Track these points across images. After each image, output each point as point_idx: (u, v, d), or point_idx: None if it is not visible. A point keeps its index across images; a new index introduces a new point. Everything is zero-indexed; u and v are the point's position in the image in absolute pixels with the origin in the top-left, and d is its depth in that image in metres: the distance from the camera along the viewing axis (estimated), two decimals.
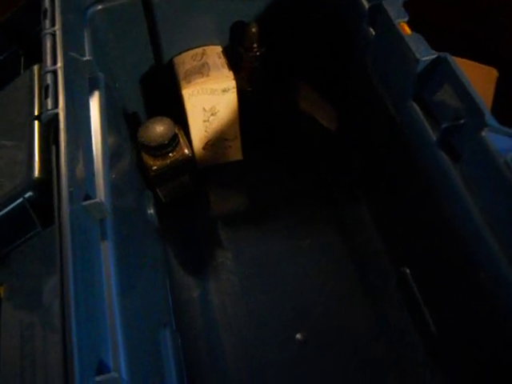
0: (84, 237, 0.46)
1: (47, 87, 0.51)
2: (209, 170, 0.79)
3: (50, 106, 0.50)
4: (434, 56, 0.50)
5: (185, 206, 0.76)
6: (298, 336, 0.64)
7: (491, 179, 0.44)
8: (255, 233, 0.73)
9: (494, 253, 0.44)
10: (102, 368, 0.38)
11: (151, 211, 0.73)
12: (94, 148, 0.53)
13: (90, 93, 0.56)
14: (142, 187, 0.73)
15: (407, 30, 0.52)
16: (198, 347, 0.64)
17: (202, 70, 0.69)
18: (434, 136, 0.51)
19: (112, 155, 0.57)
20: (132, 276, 0.54)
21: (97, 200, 0.46)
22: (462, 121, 0.48)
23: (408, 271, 0.65)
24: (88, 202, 0.46)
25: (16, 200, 0.57)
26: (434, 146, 0.51)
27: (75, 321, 0.38)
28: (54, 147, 0.51)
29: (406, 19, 0.52)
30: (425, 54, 0.50)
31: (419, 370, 0.62)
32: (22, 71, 0.72)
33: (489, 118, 0.44)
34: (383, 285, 0.67)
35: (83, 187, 0.48)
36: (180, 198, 0.75)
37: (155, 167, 0.67)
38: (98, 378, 0.37)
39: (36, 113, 0.60)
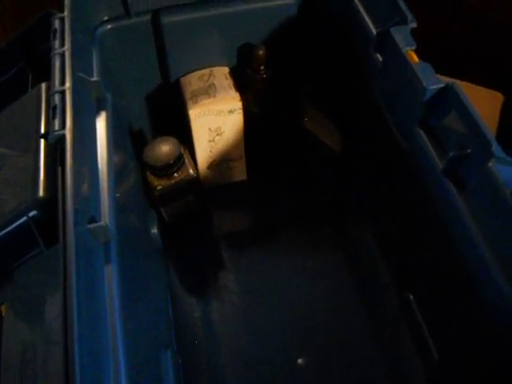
0: (88, 259, 0.46)
1: (55, 108, 0.51)
2: (213, 189, 0.79)
3: (57, 127, 0.50)
4: (441, 85, 0.50)
5: (188, 225, 0.76)
6: (300, 361, 0.64)
7: (497, 210, 0.44)
8: (258, 253, 0.73)
9: (499, 283, 0.44)
10: None
11: (155, 231, 0.72)
12: (99, 169, 0.53)
13: (97, 113, 0.57)
14: (146, 206, 0.73)
15: (415, 58, 0.52)
16: (199, 369, 0.64)
17: (208, 91, 0.69)
18: (440, 164, 0.51)
19: (117, 174, 0.57)
20: (135, 298, 0.54)
21: (101, 223, 0.46)
22: (468, 150, 0.48)
23: (411, 297, 0.64)
24: (93, 225, 0.46)
25: (20, 219, 0.57)
26: (440, 174, 0.51)
27: (78, 340, 0.38)
28: (60, 168, 0.51)
29: (413, 47, 0.53)
30: (432, 83, 0.50)
31: None
32: (29, 88, 0.72)
33: (496, 148, 0.44)
34: (386, 309, 0.67)
35: (88, 209, 0.48)
36: (184, 219, 0.75)
37: (160, 187, 0.67)
38: None
39: (42, 131, 0.60)
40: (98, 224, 0.46)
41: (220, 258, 0.73)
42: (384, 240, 0.71)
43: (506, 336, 0.45)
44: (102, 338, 0.42)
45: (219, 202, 0.79)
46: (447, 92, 0.50)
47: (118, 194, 0.56)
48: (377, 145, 0.67)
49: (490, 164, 0.45)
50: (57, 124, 0.50)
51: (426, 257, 0.59)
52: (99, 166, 0.54)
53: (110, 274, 0.46)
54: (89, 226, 0.46)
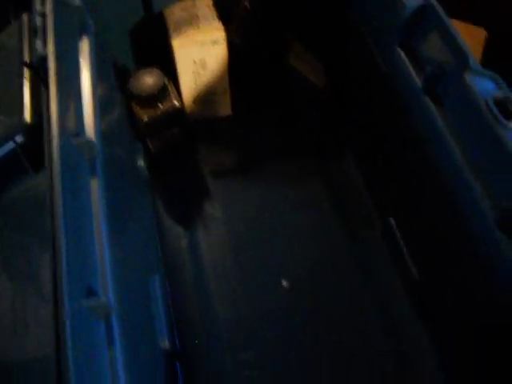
0: (74, 175, 0.46)
1: (37, 29, 0.51)
2: (199, 124, 0.80)
3: (39, 48, 0.50)
4: (420, 2, 0.50)
5: (175, 158, 0.77)
6: (284, 283, 0.65)
7: (473, 121, 0.46)
8: (243, 184, 0.75)
9: (476, 192, 0.45)
10: (90, 292, 0.39)
11: (141, 163, 0.73)
12: (84, 90, 0.53)
13: (80, 38, 0.57)
14: (133, 139, 0.74)
15: None
16: (186, 294, 0.66)
17: (192, 22, 0.69)
18: (419, 82, 0.52)
19: (102, 104, 0.58)
20: (121, 220, 0.55)
21: (87, 138, 0.47)
22: (446, 66, 0.49)
23: (393, 221, 0.66)
24: (78, 140, 0.46)
25: (7, 144, 0.58)
26: (419, 92, 0.52)
27: (65, 246, 0.39)
28: (44, 89, 0.51)
29: None
30: (412, 1, 0.50)
31: (403, 317, 0.63)
32: (11, 21, 0.72)
33: (472, 60, 0.46)
34: (369, 235, 0.69)
35: (73, 127, 0.49)
36: (170, 151, 0.76)
37: (145, 118, 0.68)
38: (86, 302, 0.38)
39: (27, 59, 0.60)
40: (83, 139, 0.46)
41: (206, 188, 0.74)
42: (366, 168, 0.73)
43: (483, 253, 0.47)
44: (89, 263, 0.42)
45: (205, 136, 0.80)
46: (427, 9, 0.50)
47: (103, 125, 0.56)
48: (358, 72, 0.67)
49: (466, 77, 0.46)
50: (39, 44, 0.50)
51: (407, 179, 0.60)
52: (83, 87, 0.54)
53: (96, 188, 0.47)
54: (74, 140, 0.46)
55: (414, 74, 0.52)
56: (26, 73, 0.59)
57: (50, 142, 0.47)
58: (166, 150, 0.75)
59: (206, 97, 0.77)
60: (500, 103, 0.44)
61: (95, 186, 0.47)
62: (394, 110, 0.59)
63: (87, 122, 0.50)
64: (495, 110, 0.43)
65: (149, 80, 0.67)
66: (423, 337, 0.61)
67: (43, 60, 0.50)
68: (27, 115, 0.58)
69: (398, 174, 0.62)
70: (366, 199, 0.72)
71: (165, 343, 0.59)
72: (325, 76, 0.80)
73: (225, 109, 0.80)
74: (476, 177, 0.46)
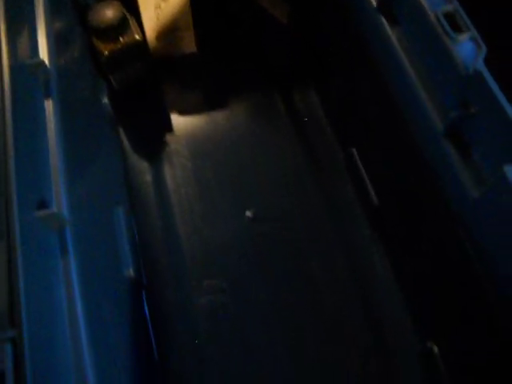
0: (27, 98, 0.46)
1: None
2: (164, 62, 0.79)
3: None
4: None
5: (139, 96, 0.76)
6: (248, 213, 0.66)
7: (423, 35, 0.46)
8: (208, 121, 0.75)
9: (425, 105, 0.46)
10: (42, 205, 0.39)
11: (105, 100, 0.73)
12: (36, 17, 0.52)
13: None
14: (96, 77, 0.73)
15: None
16: (151, 225, 0.67)
17: None
18: (374, 2, 0.52)
19: (60, 37, 0.57)
20: (80, 148, 0.55)
21: (39, 59, 0.46)
22: None
23: (354, 151, 0.67)
24: (30, 61, 0.46)
25: None
26: (373, 11, 0.52)
27: (15, 160, 0.39)
28: None
29: None
30: None
31: (365, 242, 0.65)
32: None
33: None
34: (332, 165, 0.70)
35: (26, 52, 0.49)
36: (134, 88, 0.75)
37: (106, 52, 0.67)
38: (37, 213, 0.38)
39: None
40: (35, 60, 0.46)
41: (170, 125, 0.74)
42: (328, 100, 0.73)
43: (433, 168, 0.48)
44: (42, 178, 0.42)
45: (170, 74, 0.79)
46: None
47: (62, 61, 0.56)
48: (317, 4, 0.67)
49: None
50: None
51: (365, 105, 0.61)
52: (37, 20, 0.53)
53: (51, 112, 0.46)
54: (27, 61, 0.46)
55: None
56: None
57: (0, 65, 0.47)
58: (129, 86, 0.74)
59: (169, 32, 0.76)
60: (449, 16, 0.44)
61: (50, 107, 0.46)
62: (350, 35, 0.59)
63: (41, 45, 0.50)
64: (445, 23, 0.44)
65: (108, 12, 0.66)
66: (383, 257, 0.63)
67: None
68: None
69: (358, 104, 0.63)
70: (329, 132, 0.72)
71: (130, 272, 0.60)
72: (287, 9, 0.79)
73: (189, 45, 0.79)
74: (426, 90, 0.47)
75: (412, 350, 0.58)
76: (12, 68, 0.45)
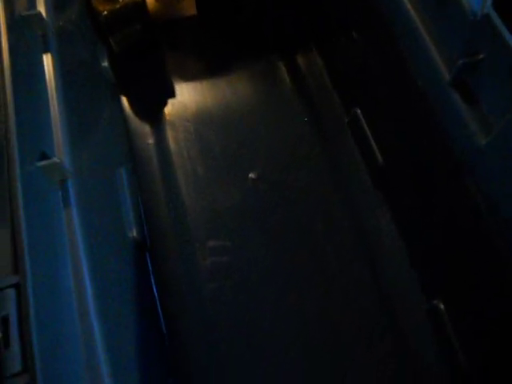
0: (25, 51, 0.45)
1: None
2: (164, 27, 0.78)
3: None
4: None
5: (140, 61, 0.75)
6: (251, 175, 0.66)
7: None
8: (211, 85, 0.74)
9: (430, 53, 0.45)
10: (44, 156, 0.39)
11: (105, 64, 0.72)
12: None
13: None
14: (95, 40, 0.72)
15: None
16: (154, 187, 0.66)
17: None
18: None
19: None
20: (80, 106, 0.54)
21: (35, 11, 0.45)
22: None
23: (358, 111, 0.66)
24: (27, 13, 0.45)
25: None
26: None
27: (15, 112, 0.38)
28: None
29: None
30: None
31: (370, 202, 0.64)
32: None
33: None
34: (335, 125, 0.69)
35: (23, 3, 0.48)
36: (134, 52, 0.74)
37: (105, 12, 0.66)
38: (39, 163, 0.38)
39: None
40: (31, 12, 0.45)
41: (173, 89, 0.73)
42: (331, 62, 0.72)
43: (440, 121, 0.47)
44: (44, 131, 0.42)
45: (169, 37, 0.78)
46: None
47: (60, 22, 0.55)
48: None
49: None
50: None
51: (367, 62, 0.60)
52: None
53: (50, 65, 0.46)
54: (23, 13, 0.45)
55: None
56: None
57: None
58: (129, 48, 0.73)
59: None
60: None
61: (49, 61, 0.46)
62: None
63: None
64: None
65: None
66: (388, 217, 0.62)
67: None
68: None
69: (360, 60, 0.62)
70: (332, 93, 0.71)
71: (133, 233, 0.60)
72: None
73: (188, 7, 0.78)
74: (432, 39, 0.46)
75: (419, 308, 0.57)
76: (8, 20, 0.44)
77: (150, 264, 0.62)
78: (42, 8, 0.47)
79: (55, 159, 0.38)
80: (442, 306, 0.55)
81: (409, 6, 0.48)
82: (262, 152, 0.68)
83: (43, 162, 0.38)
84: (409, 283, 0.59)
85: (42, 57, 0.46)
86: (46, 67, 0.45)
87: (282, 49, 0.77)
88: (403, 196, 0.60)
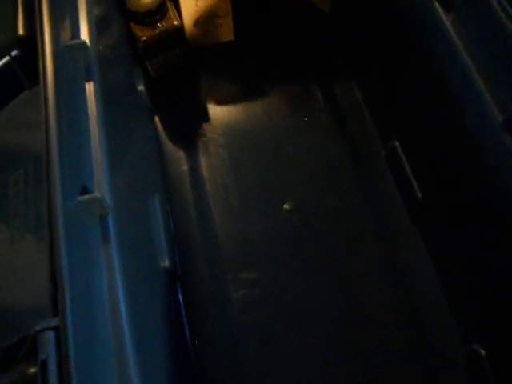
0: (68, 81, 0.45)
1: None
2: (200, 51, 0.78)
3: None
4: None
5: (176, 84, 0.75)
6: (286, 206, 0.65)
7: (482, 20, 0.44)
8: (246, 111, 0.73)
9: (482, 95, 0.44)
10: (85, 191, 0.38)
11: (141, 87, 0.72)
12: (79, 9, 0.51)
13: None
14: (132, 64, 0.72)
15: None
16: (187, 215, 0.65)
17: None
18: None
19: (99, 22, 0.56)
20: (119, 134, 0.54)
21: (81, 40, 0.45)
22: None
23: (397, 144, 0.65)
24: (71, 42, 0.45)
25: (2, 59, 0.57)
26: None
27: (57, 145, 0.38)
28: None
29: None
30: None
31: (405, 238, 0.63)
32: None
33: None
34: (372, 157, 0.68)
35: (67, 34, 0.48)
36: (171, 76, 0.74)
37: (144, 37, 0.66)
38: (80, 198, 0.37)
39: None
40: (77, 41, 0.45)
41: (207, 114, 0.73)
42: (369, 92, 0.71)
43: (490, 163, 0.45)
44: (85, 166, 0.41)
45: (207, 63, 0.78)
46: None
47: (100, 46, 0.55)
48: None
49: None
50: None
51: (410, 95, 0.59)
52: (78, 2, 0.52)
53: (92, 94, 0.45)
54: (68, 42, 0.45)
55: None
56: None
57: (42, 49, 0.46)
58: (166, 73, 0.73)
59: (207, 20, 0.74)
60: None
61: (91, 90, 0.45)
62: (399, 24, 0.57)
63: (82, 27, 0.49)
64: (505, 4, 0.41)
65: None
66: (426, 258, 0.61)
67: None
68: (20, 27, 0.56)
69: (403, 94, 0.60)
70: (369, 123, 0.70)
71: (165, 262, 0.59)
72: (331, 1, 0.77)
73: (227, 33, 0.78)
74: (483, 81, 0.44)
75: (456, 352, 0.55)
76: (54, 49, 0.44)
77: (180, 294, 0.61)
78: (86, 36, 0.47)
79: (96, 194, 0.37)
80: (482, 352, 0.53)
81: (459, 43, 0.47)
82: (296, 182, 0.67)
83: (85, 197, 0.37)
84: (446, 325, 0.57)
85: (84, 86, 0.45)
86: (88, 97, 0.45)
87: (318, 76, 0.76)
88: (441, 235, 0.59)
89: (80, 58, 0.46)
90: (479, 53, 0.45)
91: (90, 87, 0.45)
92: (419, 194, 0.61)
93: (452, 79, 0.48)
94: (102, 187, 0.39)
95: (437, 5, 0.49)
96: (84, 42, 0.45)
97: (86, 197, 0.37)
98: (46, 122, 0.40)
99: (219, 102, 0.75)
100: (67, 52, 0.45)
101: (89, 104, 0.44)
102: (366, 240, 0.63)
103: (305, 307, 0.59)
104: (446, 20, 0.48)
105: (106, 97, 0.48)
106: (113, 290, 0.36)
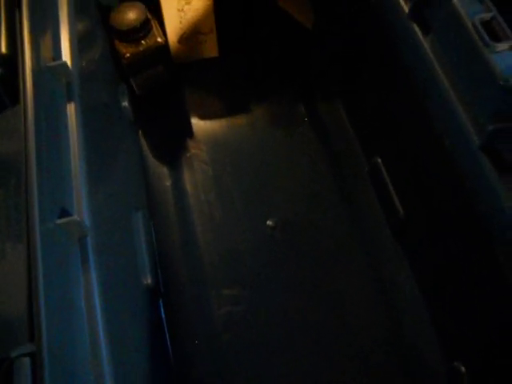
0: (49, 99, 0.45)
1: None
2: (184, 66, 0.78)
3: None
4: None
5: (160, 100, 0.75)
6: (269, 222, 0.65)
7: (459, 44, 0.44)
8: (230, 127, 0.73)
9: (459, 117, 0.44)
10: (63, 213, 0.38)
11: (125, 103, 0.72)
12: (60, 18, 0.52)
13: None
14: (117, 80, 0.72)
15: None
16: (170, 232, 0.65)
17: None
18: (405, 7, 0.50)
19: (82, 38, 0.56)
20: (100, 152, 0.54)
21: (61, 61, 0.45)
22: None
23: (379, 160, 0.65)
24: (53, 64, 0.45)
25: None
26: (405, 19, 0.50)
27: (36, 167, 0.38)
28: (17, 13, 0.50)
29: None
30: None
31: (388, 254, 0.63)
32: None
33: None
34: (355, 173, 0.68)
35: (49, 53, 0.48)
36: (155, 92, 0.74)
37: (128, 54, 0.66)
38: (59, 221, 0.37)
39: None
40: (58, 62, 0.45)
41: (191, 130, 0.73)
42: (353, 109, 0.72)
43: (469, 182, 0.46)
44: (64, 187, 0.41)
45: (191, 79, 0.78)
46: None
47: (83, 62, 0.55)
48: (346, 8, 0.66)
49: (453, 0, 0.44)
50: None
51: (393, 114, 0.59)
52: (60, 18, 0.52)
53: (73, 114, 0.45)
54: (48, 64, 0.45)
55: (401, 1, 0.51)
56: (2, 2, 0.57)
57: (23, 68, 0.46)
58: (150, 90, 0.73)
59: (192, 36, 0.75)
60: (487, 25, 0.43)
61: (72, 111, 0.45)
62: (382, 43, 0.58)
63: (64, 47, 0.49)
64: (482, 32, 0.42)
65: (131, 14, 0.65)
66: (407, 274, 0.61)
67: None
68: (3, 45, 0.56)
69: (385, 112, 0.61)
70: (353, 140, 0.71)
71: (147, 280, 0.59)
72: (313, 15, 0.78)
73: (211, 50, 0.78)
74: (461, 103, 0.45)
75: (438, 369, 0.56)
76: (34, 70, 0.44)
77: (163, 311, 0.60)
78: (67, 57, 0.47)
79: (75, 217, 0.37)
80: (462, 369, 0.53)
81: (437, 65, 0.47)
82: (280, 199, 0.67)
83: (63, 220, 0.37)
84: (429, 341, 0.58)
85: (65, 106, 0.45)
86: (68, 118, 0.45)
87: (302, 91, 0.76)
88: (423, 252, 0.59)
89: (61, 78, 0.46)
90: (457, 76, 0.45)
91: (70, 108, 0.45)
92: (401, 211, 0.62)
93: (431, 100, 0.49)
94: (81, 209, 0.39)
95: (415, 27, 0.49)
96: (65, 63, 0.45)
97: (64, 220, 0.37)
98: (26, 142, 0.40)
99: (203, 118, 0.75)
100: (48, 73, 0.45)
101: (69, 125, 0.44)
102: (349, 256, 0.63)
103: (288, 324, 0.59)
104: (425, 42, 0.48)
105: (88, 115, 0.48)
106: (91, 314, 0.36)
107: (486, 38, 0.42)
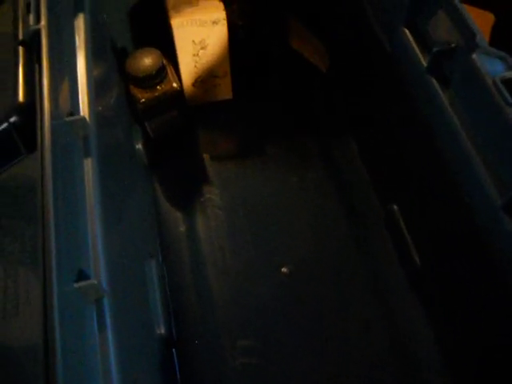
0: (66, 154, 0.45)
1: (29, 3, 0.50)
2: (198, 108, 0.78)
3: (32, 22, 0.49)
4: None
5: (173, 142, 0.75)
6: (284, 269, 0.64)
7: (479, 101, 0.44)
8: (243, 170, 0.73)
9: (480, 176, 0.44)
10: (81, 275, 0.37)
11: (139, 146, 0.72)
12: (79, 68, 0.52)
13: (75, 15, 0.55)
14: (131, 122, 0.72)
15: None
16: (183, 279, 0.64)
17: (191, 1, 0.67)
18: (424, 62, 0.50)
19: (98, 85, 0.56)
20: (116, 203, 0.54)
21: (80, 116, 0.45)
22: (453, 45, 0.47)
23: (395, 207, 0.65)
24: (71, 118, 0.45)
25: (1, 125, 0.56)
26: (424, 73, 0.50)
27: (54, 227, 0.38)
28: (36, 66, 0.50)
29: None
30: None
31: (404, 303, 0.62)
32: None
33: (480, 39, 0.44)
34: (371, 221, 0.67)
35: (67, 105, 0.48)
36: (169, 135, 0.74)
37: (143, 99, 0.67)
38: (76, 285, 0.37)
39: (21, 37, 0.59)
40: (76, 117, 0.45)
41: (205, 173, 0.73)
42: (368, 152, 0.71)
43: (489, 241, 0.45)
44: (81, 247, 0.40)
45: (204, 120, 0.78)
46: None
47: (99, 107, 0.55)
48: (361, 53, 0.66)
49: (473, 55, 0.44)
50: (32, 19, 0.49)
51: (410, 162, 0.59)
52: (78, 64, 0.52)
53: (89, 168, 0.45)
54: (67, 118, 0.45)
55: (419, 54, 0.51)
56: (20, 51, 0.57)
57: (41, 120, 0.46)
58: (164, 133, 0.73)
59: (206, 80, 0.75)
60: (509, 83, 0.42)
61: (89, 166, 0.45)
62: (399, 94, 0.57)
63: (82, 100, 0.49)
64: (503, 90, 0.41)
65: (147, 60, 0.65)
66: (424, 325, 0.60)
67: (36, 34, 0.49)
68: (20, 94, 0.56)
69: (402, 160, 0.61)
70: (368, 185, 0.70)
71: (161, 330, 0.58)
72: (328, 58, 0.78)
73: (225, 92, 0.78)
74: (482, 161, 0.44)
75: None
76: (53, 121, 0.44)
77: (176, 361, 0.59)
78: (85, 110, 0.47)
79: (93, 281, 0.37)
80: None
81: (456, 121, 0.47)
82: (295, 245, 0.66)
83: (81, 284, 0.37)
84: None
85: (82, 160, 0.45)
86: (85, 172, 0.44)
87: (316, 133, 0.76)
88: (440, 304, 0.58)
89: (79, 132, 0.46)
90: (477, 132, 0.45)
91: (87, 162, 0.45)
92: (417, 260, 0.61)
93: (450, 154, 0.49)
94: (98, 270, 0.39)
95: (434, 81, 0.49)
96: (83, 118, 0.45)
97: (83, 283, 0.37)
98: (43, 201, 0.39)
99: (217, 161, 0.75)
100: (66, 126, 0.45)
101: (86, 179, 0.44)
102: (365, 305, 0.62)
103: (302, 377, 0.58)
104: (444, 96, 0.48)
105: (104, 166, 0.48)
106: (107, 376, 0.36)
107: (508, 96, 0.41)
